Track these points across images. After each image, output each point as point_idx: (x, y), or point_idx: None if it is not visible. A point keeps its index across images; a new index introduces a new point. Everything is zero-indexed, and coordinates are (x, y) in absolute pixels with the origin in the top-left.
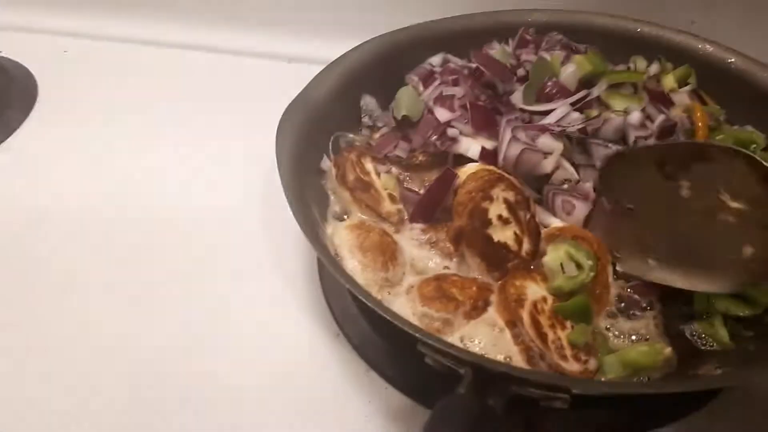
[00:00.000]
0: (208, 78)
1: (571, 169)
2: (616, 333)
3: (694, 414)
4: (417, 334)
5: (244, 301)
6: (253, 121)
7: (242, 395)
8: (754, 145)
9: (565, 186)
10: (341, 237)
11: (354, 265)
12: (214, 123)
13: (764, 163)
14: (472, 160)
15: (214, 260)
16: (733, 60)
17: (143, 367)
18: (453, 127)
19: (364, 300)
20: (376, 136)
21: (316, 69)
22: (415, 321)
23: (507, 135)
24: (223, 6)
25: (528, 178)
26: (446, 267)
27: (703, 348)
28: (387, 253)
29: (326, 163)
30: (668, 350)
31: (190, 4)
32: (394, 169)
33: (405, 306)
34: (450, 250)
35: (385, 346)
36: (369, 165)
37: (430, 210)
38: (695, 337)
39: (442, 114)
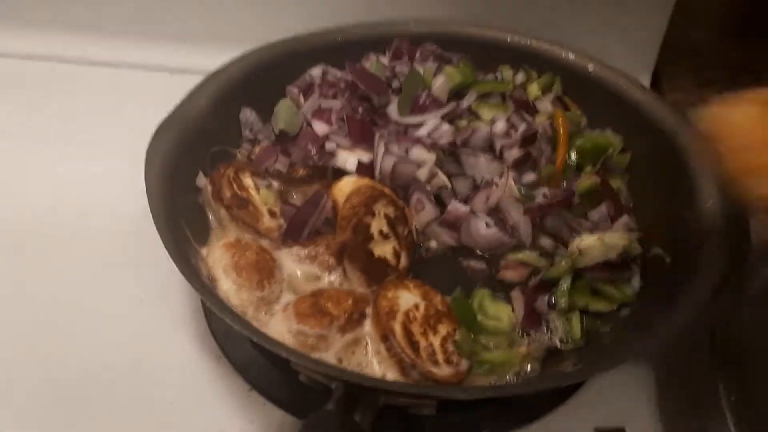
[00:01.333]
0: (85, 91)
1: (445, 178)
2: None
3: (560, 407)
4: (282, 353)
5: (123, 324)
6: (136, 137)
7: (119, 423)
8: (611, 149)
9: (428, 187)
10: (215, 257)
11: (228, 285)
12: (93, 140)
13: None
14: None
15: (89, 281)
16: (592, 67)
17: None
18: (331, 141)
19: (231, 323)
20: (257, 150)
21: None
22: (290, 339)
23: (381, 148)
24: (102, 17)
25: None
26: (331, 282)
27: (561, 347)
28: (264, 271)
29: (202, 181)
30: (523, 349)
31: (65, 15)
32: (275, 184)
33: (281, 324)
34: (330, 264)
35: (267, 366)
36: (248, 180)
37: (300, 230)
38: (554, 335)
39: (319, 127)
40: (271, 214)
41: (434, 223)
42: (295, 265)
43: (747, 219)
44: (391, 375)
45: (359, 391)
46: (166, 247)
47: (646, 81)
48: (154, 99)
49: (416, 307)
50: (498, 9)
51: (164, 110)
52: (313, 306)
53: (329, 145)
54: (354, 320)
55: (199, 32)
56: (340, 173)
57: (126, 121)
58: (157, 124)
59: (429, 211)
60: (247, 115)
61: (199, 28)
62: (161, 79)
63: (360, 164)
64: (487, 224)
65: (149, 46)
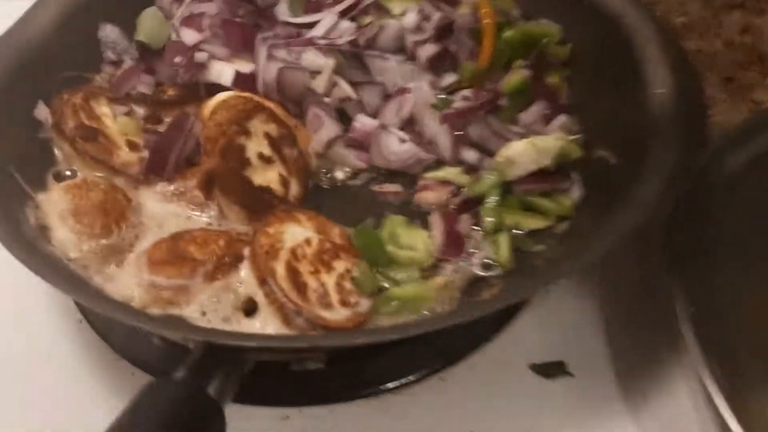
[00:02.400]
0: None
1: (348, 88)
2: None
3: (487, 345)
4: (114, 315)
5: None
6: None
7: None
8: (546, 39)
9: (327, 100)
10: (51, 202)
11: (65, 234)
12: None
13: None
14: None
15: None
16: None
17: None
18: (202, 50)
19: (46, 281)
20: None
21: None
22: (140, 294)
23: (262, 54)
24: None
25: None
26: (207, 223)
27: (485, 273)
28: (112, 214)
29: (42, 112)
30: (439, 280)
31: None
32: (140, 111)
33: (130, 277)
34: (202, 201)
35: (127, 328)
36: (103, 108)
37: (163, 161)
38: (477, 261)
39: (188, 36)
40: (132, 146)
41: (337, 142)
42: (160, 205)
43: (703, 104)
44: (273, 326)
45: (219, 351)
46: None
47: None
48: None
49: (307, 242)
50: None
51: None
52: (171, 251)
53: (200, 56)
54: (225, 264)
55: None
56: (216, 90)
57: None
58: None
59: (329, 129)
60: (108, 32)
61: None
62: None
63: (239, 76)
64: (401, 140)
65: None
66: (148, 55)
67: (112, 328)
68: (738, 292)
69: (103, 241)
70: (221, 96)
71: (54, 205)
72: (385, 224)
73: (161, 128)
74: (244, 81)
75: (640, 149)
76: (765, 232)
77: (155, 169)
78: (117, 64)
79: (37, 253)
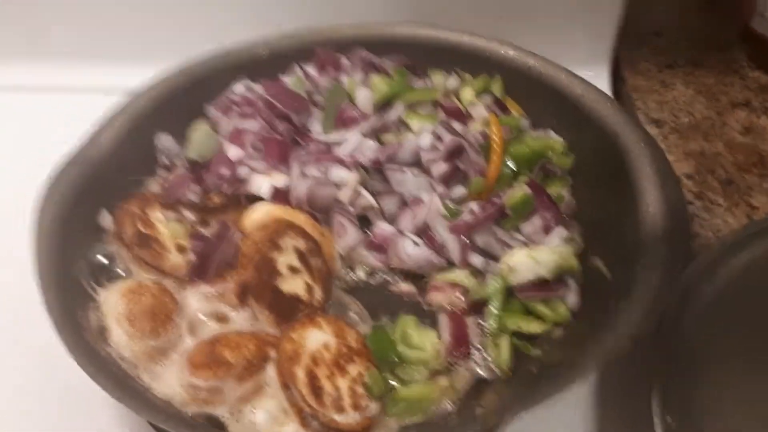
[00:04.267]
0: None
1: (370, 198)
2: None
3: None
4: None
5: None
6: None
7: None
8: (551, 152)
9: (351, 209)
10: (110, 305)
11: (120, 337)
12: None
13: None
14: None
15: None
16: (532, 63)
17: None
18: (244, 165)
19: (101, 387)
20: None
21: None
22: (181, 393)
23: (295, 171)
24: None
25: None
26: (240, 321)
27: (487, 376)
28: (159, 318)
29: (106, 219)
30: (444, 382)
31: None
32: (190, 216)
33: (174, 377)
34: (237, 303)
35: None
36: (157, 214)
37: (205, 265)
38: (480, 364)
39: (233, 152)
40: (180, 249)
41: (359, 246)
42: (200, 305)
43: (687, 224)
44: (292, 426)
45: None
46: (45, 304)
47: (605, 68)
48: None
49: (326, 347)
50: (445, 7)
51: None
52: (209, 355)
53: (242, 171)
54: (254, 366)
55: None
56: (256, 199)
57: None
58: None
59: (352, 236)
60: (163, 141)
61: (130, 45)
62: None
63: (275, 190)
64: (415, 243)
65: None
66: (198, 167)
67: None
68: (718, 404)
69: (152, 343)
70: (260, 208)
71: (111, 308)
72: (397, 324)
73: (208, 231)
74: (279, 195)
75: (629, 266)
76: (749, 346)
77: (199, 274)
78: (169, 168)
79: (94, 356)
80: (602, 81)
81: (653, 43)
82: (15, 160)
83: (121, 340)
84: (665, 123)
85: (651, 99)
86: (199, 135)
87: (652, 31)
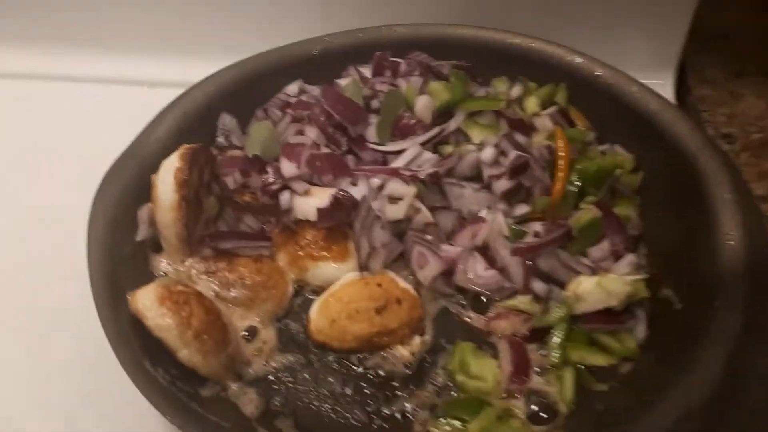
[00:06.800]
0: (65, 107)
1: (428, 214)
2: None
3: None
4: None
5: None
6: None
7: None
8: (620, 170)
9: (429, 237)
10: (160, 321)
11: (191, 357)
12: (72, 155)
13: None
14: None
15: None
16: (601, 73)
17: None
18: (290, 188)
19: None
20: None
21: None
22: None
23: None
24: (76, 31)
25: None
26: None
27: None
28: (217, 323)
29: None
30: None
31: (36, 29)
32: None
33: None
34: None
35: None
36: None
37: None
38: (542, 398)
39: (287, 169)
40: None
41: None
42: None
43: None
44: None
45: None
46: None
47: (670, 75)
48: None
49: None
50: (503, 8)
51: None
52: None
53: (284, 200)
54: None
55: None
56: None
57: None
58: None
59: (434, 266)
60: (227, 121)
61: (187, 39)
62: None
63: (321, 211)
64: (487, 266)
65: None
66: (255, 161)
67: None
68: None
69: (224, 354)
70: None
71: (164, 328)
72: (455, 352)
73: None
74: (324, 213)
75: (705, 301)
76: None
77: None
78: (223, 149)
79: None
80: (667, 89)
81: (721, 48)
82: (72, 150)
83: (194, 359)
84: (736, 139)
85: (720, 111)
86: (261, 132)
87: (720, 33)
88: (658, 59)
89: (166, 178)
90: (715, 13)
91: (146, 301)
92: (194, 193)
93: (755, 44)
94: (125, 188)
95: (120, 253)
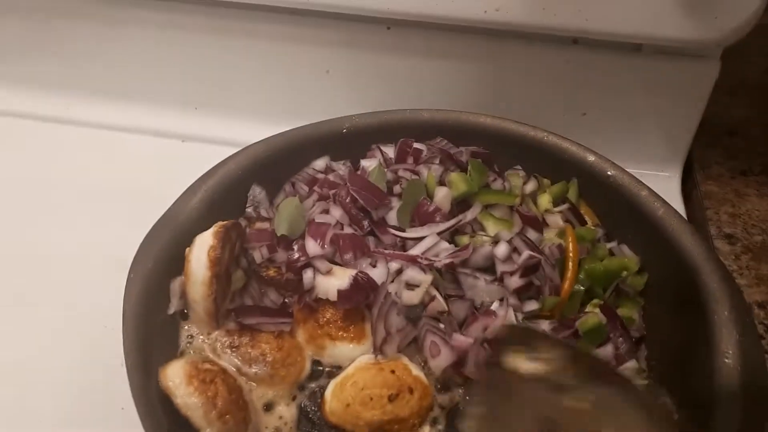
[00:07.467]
0: (93, 155)
1: (443, 302)
2: None
3: None
4: None
5: None
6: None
7: None
8: (626, 272)
9: (442, 325)
10: (187, 400)
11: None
12: (101, 208)
13: None
14: None
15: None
16: (611, 173)
17: None
18: (312, 266)
19: None
20: (256, 225)
21: (210, 148)
22: None
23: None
24: (111, 81)
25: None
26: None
27: None
28: (239, 401)
29: (176, 285)
30: None
31: (70, 76)
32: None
33: None
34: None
35: None
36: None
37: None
38: None
39: (312, 248)
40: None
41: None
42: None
43: (766, 382)
44: None
45: None
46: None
47: (677, 171)
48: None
49: None
50: (519, 100)
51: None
52: None
53: (307, 278)
54: None
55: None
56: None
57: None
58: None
59: (446, 356)
60: (256, 193)
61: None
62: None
63: (341, 293)
64: None
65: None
66: (282, 237)
67: None
68: None
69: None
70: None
71: (191, 405)
72: None
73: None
74: (344, 297)
75: (700, 416)
76: None
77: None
78: (251, 220)
79: None
80: (674, 183)
81: (727, 144)
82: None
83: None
84: (738, 240)
85: (723, 210)
86: (288, 210)
87: (727, 129)
88: (666, 153)
89: (200, 256)
90: (724, 109)
91: (176, 379)
92: (225, 269)
93: (762, 142)
94: (159, 260)
95: (153, 323)
